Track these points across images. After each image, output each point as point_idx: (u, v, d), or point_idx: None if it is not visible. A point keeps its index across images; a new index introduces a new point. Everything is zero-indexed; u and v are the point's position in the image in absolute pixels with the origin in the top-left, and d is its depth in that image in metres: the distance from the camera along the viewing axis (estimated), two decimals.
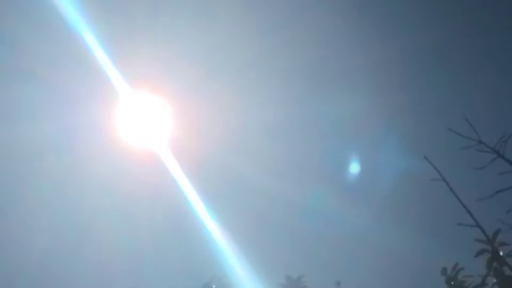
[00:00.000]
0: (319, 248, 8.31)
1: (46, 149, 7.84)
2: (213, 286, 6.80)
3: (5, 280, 7.48)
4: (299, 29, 8.03)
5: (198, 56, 8.13)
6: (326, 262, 8.19)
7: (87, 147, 7.95)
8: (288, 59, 8.19)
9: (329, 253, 8.30)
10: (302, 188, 8.37)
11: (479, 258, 5.81)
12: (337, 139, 8.46)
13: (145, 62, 7.93)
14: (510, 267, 5.69)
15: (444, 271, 6.22)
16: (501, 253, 5.76)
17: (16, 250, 7.69)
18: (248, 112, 8.29)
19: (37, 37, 7.64)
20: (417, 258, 7.83)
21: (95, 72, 7.75)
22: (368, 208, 8.37)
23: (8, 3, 7.62)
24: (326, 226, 8.34)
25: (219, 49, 8.19)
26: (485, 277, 5.79)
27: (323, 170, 8.50)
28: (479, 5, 8.34)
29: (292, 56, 8.18)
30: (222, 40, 8.16)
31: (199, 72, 8.11)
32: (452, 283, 6.13)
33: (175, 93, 8.10)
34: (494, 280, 5.75)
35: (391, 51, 8.25)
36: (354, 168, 8.54)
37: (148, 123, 8.13)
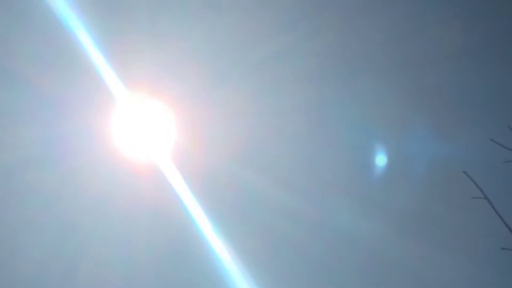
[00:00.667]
0: (342, 273, 7.45)
1: (33, 160, 6.98)
2: None
3: None
4: (319, 25, 7.15)
5: (205, 56, 7.27)
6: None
7: (79, 157, 7.07)
8: (307, 59, 7.30)
9: (353, 278, 7.44)
10: (321, 203, 7.50)
11: None
12: (361, 148, 7.57)
13: (145, 63, 7.06)
14: None
15: None
16: None
17: None
18: (261, 119, 7.43)
19: (22, 33, 6.79)
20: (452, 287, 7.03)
21: (88, 73, 6.92)
22: (396, 226, 7.48)
23: None
24: (348, 247, 7.48)
25: (228, 47, 7.32)
26: None
27: (344, 182, 7.60)
28: None
29: (311, 55, 7.29)
30: (231, 38, 7.30)
31: (205, 74, 7.25)
32: None
33: (178, 98, 7.23)
34: None
35: (427, 48, 7.38)
36: (377, 177, 7.65)
37: (148, 131, 7.26)
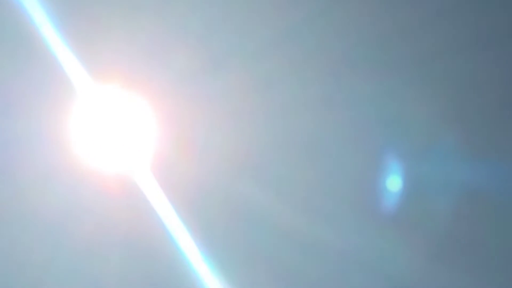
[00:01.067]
0: None
1: None
2: None
3: None
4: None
5: (194, 38, 5.91)
6: None
7: (31, 169, 5.70)
8: (325, 39, 6.09)
9: None
10: (342, 226, 6.26)
11: None
12: (392, 156, 6.33)
13: (117, 45, 5.68)
14: None
15: None
16: None
17: None
18: (263, 119, 6.13)
19: None
20: None
21: (42, 57, 5.49)
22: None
23: None
24: (376, 280, 6.25)
25: (222, 28, 5.98)
26: None
27: (370, 199, 6.38)
28: None
29: (330, 34, 6.08)
30: (227, 16, 5.97)
31: (194, 61, 5.89)
32: None
33: (160, 91, 5.87)
34: None
35: (468, 34, 6.15)
36: (411, 193, 6.45)
37: (120, 134, 5.93)
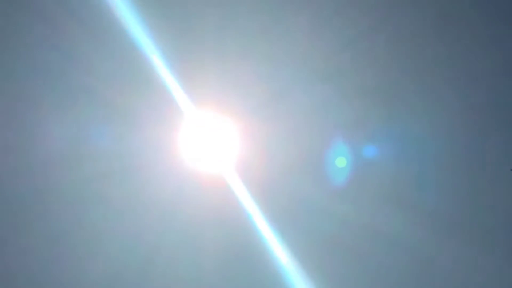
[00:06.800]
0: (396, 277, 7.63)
1: (105, 171, 7.25)
2: None
3: None
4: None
5: (269, 70, 7.45)
6: None
7: (148, 170, 7.33)
8: (377, 71, 7.40)
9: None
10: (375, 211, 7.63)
11: None
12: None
13: (211, 78, 7.28)
14: None
15: None
16: None
17: None
18: (320, 133, 7.61)
19: (102, 55, 7.03)
20: None
21: (159, 90, 7.21)
22: None
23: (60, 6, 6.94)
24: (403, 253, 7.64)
25: (294, 61, 7.47)
26: None
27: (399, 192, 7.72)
28: None
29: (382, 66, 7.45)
30: (297, 53, 7.46)
31: (270, 87, 7.46)
32: None
33: (243, 111, 7.46)
34: None
35: None
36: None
37: (213, 144, 7.49)
